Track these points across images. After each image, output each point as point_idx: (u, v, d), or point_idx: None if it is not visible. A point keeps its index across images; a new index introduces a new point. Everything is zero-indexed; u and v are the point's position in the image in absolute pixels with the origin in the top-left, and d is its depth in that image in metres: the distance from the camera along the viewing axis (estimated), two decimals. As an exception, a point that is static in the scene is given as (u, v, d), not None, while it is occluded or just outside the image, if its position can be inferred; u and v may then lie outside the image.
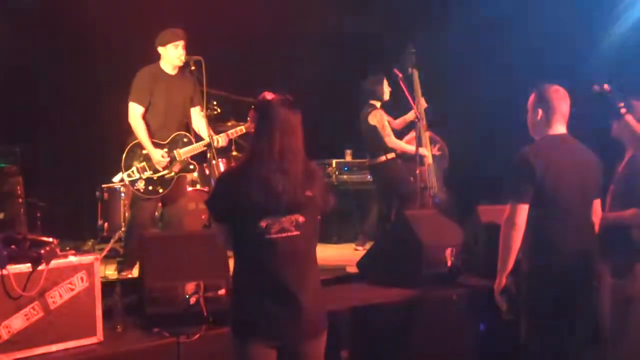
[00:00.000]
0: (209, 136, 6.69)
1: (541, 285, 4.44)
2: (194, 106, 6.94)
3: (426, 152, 8.28)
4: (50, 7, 8.50)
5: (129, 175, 6.65)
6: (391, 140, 8.29)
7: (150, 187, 6.68)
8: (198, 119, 6.94)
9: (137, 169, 6.64)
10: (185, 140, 6.81)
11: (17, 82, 8.49)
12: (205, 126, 6.76)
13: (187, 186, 7.50)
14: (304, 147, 3.70)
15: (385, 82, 8.47)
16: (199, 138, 6.88)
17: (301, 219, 3.63)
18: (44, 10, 8.52)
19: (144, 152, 6.66)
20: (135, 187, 6.64)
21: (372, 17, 10.06)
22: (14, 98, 8.43)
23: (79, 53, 8.79)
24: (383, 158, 8.39)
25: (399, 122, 8.65)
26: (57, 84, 8.80)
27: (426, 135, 8.27)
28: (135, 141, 6.66)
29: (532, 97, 4.65)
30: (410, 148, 8.23)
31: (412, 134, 8.42)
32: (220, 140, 6.85)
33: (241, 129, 7.03)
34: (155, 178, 6.68)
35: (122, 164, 6.65)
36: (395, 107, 8.59)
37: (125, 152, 6.67)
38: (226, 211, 3.69)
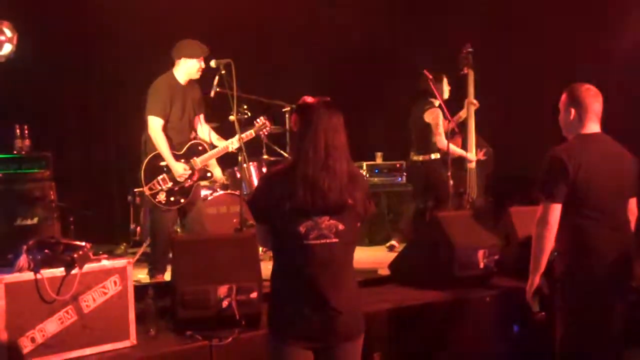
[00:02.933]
0: (217, 139, 6.81)
1: (576, 286, 4.40)
2: (200, 113, 7.03)
3: (472, 156, 8.25)
4: (77, 15, 8.56)
5: (150, 189, 6.67)
6: (441, 140, 8.30)
7: (172, 198, 6.72)
8: (202, 126, 7.05)
9: (159, 181, 6.67)
10: (200, 148, 6.86)
11: (48, 89, 8.56)
12: (211, 131, 6.91)
13: (202, 190, 7.54)
14: (348, 147, 3.70)
15: (445, 81, 8.47)
16: (212, 146, 6.94)
17: (341, 226, 3.63)
18: (72, 19, 8.58)
19: (163, 163, 6.69)
20: (157, 200, 6.67)
21: (406, 19, 10.06)
22: (45, 104, 8.51)
23: (108, 59, 8.84)
24: (427, 157, 8.47)
25: (454, 119, 8.59)
26: (88, 89, 8.86)
27: (472, 137, 8.21)
28: (154, 153, 6.68)
29: (563, 97, 4.61)
30: (458, 151, 8.29)
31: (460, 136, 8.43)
32: (233, 144, 6.87)
33: (251, 132, 7.06)
34: (176, 189, 6.72)
35: (142, 178, 6.67)
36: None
37: (144, 166, 6.69)
38: (267, 211, 3.69)
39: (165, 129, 6.71)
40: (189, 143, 6.83)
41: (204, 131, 7.06)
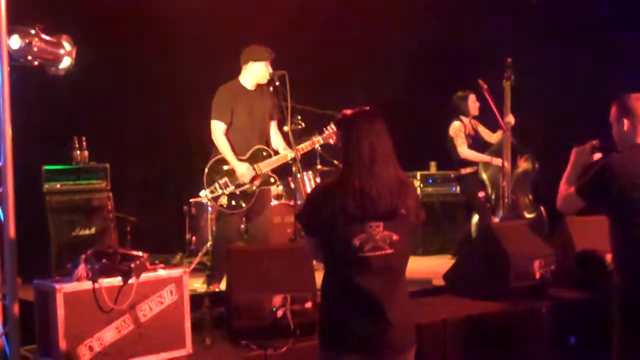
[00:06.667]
0: (283, 149, 6.75)
1: (633, 299, 4.33)
2: (272, 120, 7.00)
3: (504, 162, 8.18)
4: (135, 27, 8.66)
5: (211, 192, 6.71)
6: (462, 150, 8.38)
7: (234, 202, 6.73)
8: (275, 133, 7.01)
9: (220, 184, 6.70)
10: (264, 154, 6.85)
11: (106, 100, 8.68)
12: (282, 140, 6.81)
13: (272, 199, 7.53)
14: (394, 152, 3.68)
15: (473, 98, 8.48)
16: (276, 152, 6.93)
17: (395, 236, 3.60)
18: (130, 31, 8.69)
19: (226, 167, 6.72)
20: (218, 203, 6.71)
21: (455, 31, 10.00)
22: (103, 115, 8.62)
23: (165, 70, 8.93)
24: (462, 171, 8.58)
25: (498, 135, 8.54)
26: (144, 100, 8.96)
27: (508, 147, 8.13)
28: (217, 157, 6.73)
29: (614, 110, 4.53)
30: (483, 158, 8.34)
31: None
32: (289, 155, 6.87)
33: (319, 139, 7.05)
34: (237, 193, 6.74)
35: (205, 181, 6.73)
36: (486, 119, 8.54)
37: (207, 169, 6.74)
38: (317, 225, 3.68)
39: (228, 134, 6.74)
40: (254, 148, 6.84)
41: (275, 138, 7.03)
